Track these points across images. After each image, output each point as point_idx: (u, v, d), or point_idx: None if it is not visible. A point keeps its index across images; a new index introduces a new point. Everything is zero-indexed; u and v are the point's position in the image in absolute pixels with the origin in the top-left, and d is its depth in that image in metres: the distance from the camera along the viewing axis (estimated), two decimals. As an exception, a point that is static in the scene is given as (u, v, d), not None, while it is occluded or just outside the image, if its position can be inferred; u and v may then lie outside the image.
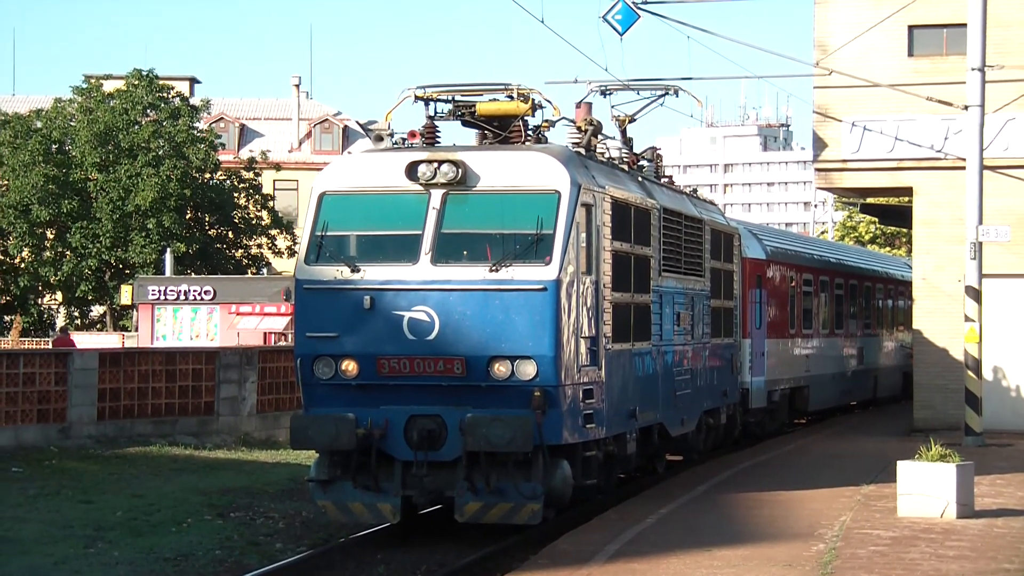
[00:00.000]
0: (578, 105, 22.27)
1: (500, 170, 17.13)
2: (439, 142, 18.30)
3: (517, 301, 16.54)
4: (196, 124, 65.93)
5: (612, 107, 23.18)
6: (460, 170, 16.93)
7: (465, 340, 16.57)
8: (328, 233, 17.29)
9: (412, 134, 18.01)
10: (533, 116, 18.51)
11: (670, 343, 21.39)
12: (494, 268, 16.60)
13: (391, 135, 18.13)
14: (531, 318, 16.51)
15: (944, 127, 30.77)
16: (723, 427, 25.53)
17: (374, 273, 16.93)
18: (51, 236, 64.43)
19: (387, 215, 17.30)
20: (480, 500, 16.69)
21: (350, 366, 16.89)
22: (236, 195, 67.28)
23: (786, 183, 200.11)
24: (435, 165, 16.99)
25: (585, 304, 17.35)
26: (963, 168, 28.47)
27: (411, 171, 17.04)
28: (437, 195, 17.01)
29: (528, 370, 16.49)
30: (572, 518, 18.10)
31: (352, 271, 16.97)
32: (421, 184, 17.03)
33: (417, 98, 18.62)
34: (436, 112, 18.62)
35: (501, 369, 16.53)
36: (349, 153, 18.71)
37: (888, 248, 71.86)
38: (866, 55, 31.10)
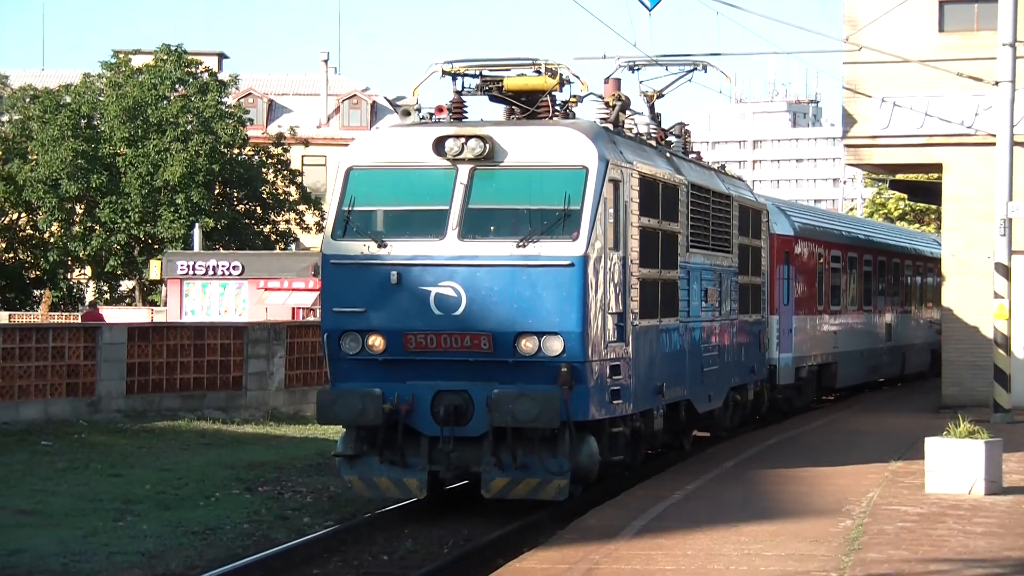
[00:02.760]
0: (606, 80, 22.19)
1: (528, 145, 17.04)
2: (466, 117, 18.18)
3: (544, 277, 16.46)
4: (224, 99, 66.02)
5: (640, 83, 23.09)
6: (487, 145, 16.84)
7: (492, 316, 16.52)
8: (355, 208, 17.21)
9: (439, 109, 17.89)
10: (561, 91, 18.37)
11: (698, 319, 21.29)
12: (521, 244, 16.52)
13: (418, 110, 17.99)
14: (558, 294, 16.44)
15: (974, 103, 30.59)
16: (750, 404, 25.47)
17: (401, 248, 16.86)
18: (80, 211, 64.70)
19: (414, 190, 17.22)
20: (507, 476, 16.66)
21: (377, 341, 16.85)
22: (264, 170, 67.42)
23: (815, 159, 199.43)
24: (462, 140, 16.90)
25: (612, 280, 17.27)
26: (993, 144, 28.31)
27: (438, 146, 16.97)
28: (464, 170, 16.92)
29: (555, 346, 16.42)
30: (599, 494, 18.07)
31: (379, 246, 16.91)
32: (448, 159, 16.94)
33: (444, 73, 18.49)
34: (463, 87, 18.49)
35: (528, 345, 16.47)
36: (377, 128, 18.68)
37: (917, 225, 71.58)
38: (896, 30, 30.93)
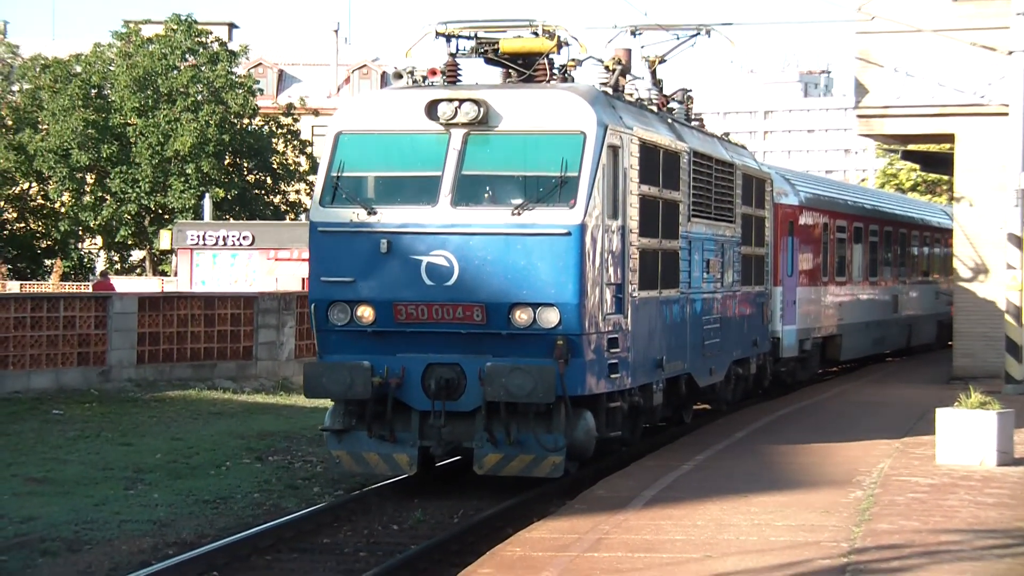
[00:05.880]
0: (608, 42, 21.85)
1: (524, 109, 16.51)
2: (461, 80, 17.49)
3: (540, 246, 16.00)
4: (234, 69, 65.94)
5: (642, 47, 22.64)
6: (482, 109, 16.31)
7: (485, 286, 16.04)
8: (344, 174, 16.69)
9: (432, 72, 17.28)
10: (559, 54, 17.76)
11: (699, 291, 20.83)
12: (516, 212, 16.02)
13: (411, 73, 17.40)
14: (554, 264, 15.97)
15: (988, 73, 30.45)
16: (752, 377, 25.05)
17: (391, 216, 16.38)
18: (91, 181, 64.73)
19: (405, 156, 16.73)
20: (500, 452, 16.25)
21: (366, 312, 16.38)
22: (274, 141, 67.36)
23: (826, 130, 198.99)
24: (456, 104, 16.36)
25: (610, 250, 16.81)
26: (1006, 115, 28.20)
27: (431, 110, 16.43)
28: (458, 135, 16.41)
29: (551, 318, 15.96)
30: (596, 471, 17.72)
31: (368, 214, 16.39)
32: (441, 123, 16.42)
33: (438, 34, 17.87)
34: (458, 49, 17.86)
35: (523, 316, 15.99)
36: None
37: (929, 196, 71.38)
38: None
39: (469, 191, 16.32)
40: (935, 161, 44.56)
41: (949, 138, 32.43)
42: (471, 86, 17.19)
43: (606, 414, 17.24)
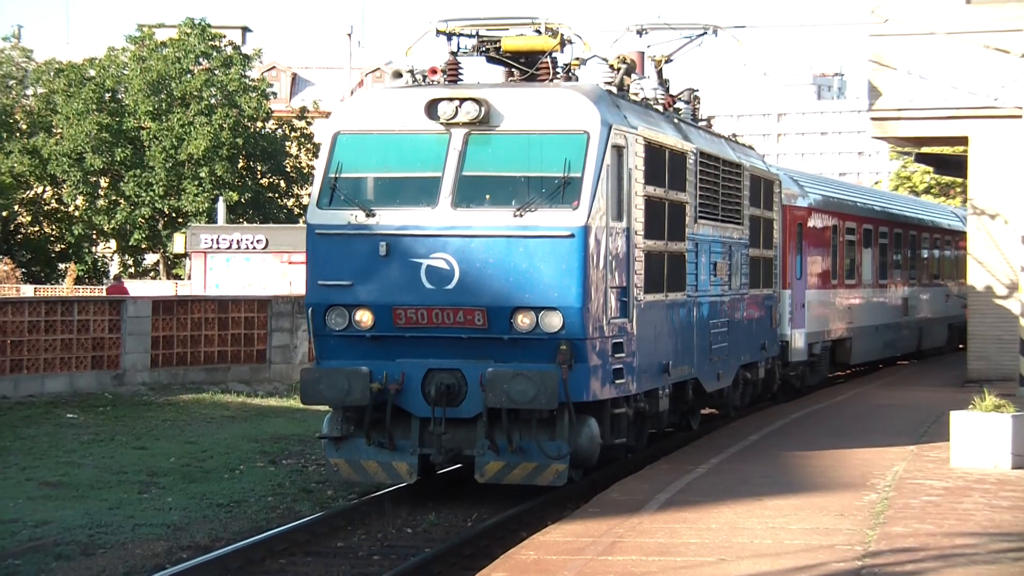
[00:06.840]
0: (614, 41, 21.73)
1: (526, 109, 16.20)
2: (462, 79, 17.20)
3: (542, 248, 15.66)
4: (248, 73, 66.05)
5: (648, 47, 22.29)
6: (483, 108, 16.00)
7: (487, 290, 15.67)
8: (342, 175, 16.34)
9: (433, 70, 16.97)
10: (562, 52, 17.49)
11: (706, 294, 20.47)
12: (518, 213, 15.68)
13: (411, 72, 17.10)
14: (557, 267, 15.64)
15: (1001, 76, 30.39)
16: (761, 381, 24.76)
17: (390, 218, 16.01)
18: (105, 184, 64.89)
19: (405, 156, 16.39)
20: (502, 460, 15.94)
21: (364, 317, 16.04)
22: (288, 144, 67.44)
23: (840, 132, 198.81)
24: (456, 103, 16.04)
25: (615, 252, 16.48)
26: (1020, 117, 28.14)
27: (431, 109, 16.10)
28: (458, 135, 16.06)
29: (553, 322, 15.63)
30: (607, 476, 17.60)
31: (367, 215, 16.03)
32: (442, 123, 16.10)
33: (439, 33, 17.57)
34: (459, 48, 17.58)
35: (525, 321, 15.65)
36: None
37: (943, 198, 71.29)
38: (923, 2, 30.71)
39: (470, 192, 16.00)
40: (949, 164, 44.51)
41: (963, 141, 32.39)
42: (472, 85, 16.92)
43: (611, 420, 16.96)
